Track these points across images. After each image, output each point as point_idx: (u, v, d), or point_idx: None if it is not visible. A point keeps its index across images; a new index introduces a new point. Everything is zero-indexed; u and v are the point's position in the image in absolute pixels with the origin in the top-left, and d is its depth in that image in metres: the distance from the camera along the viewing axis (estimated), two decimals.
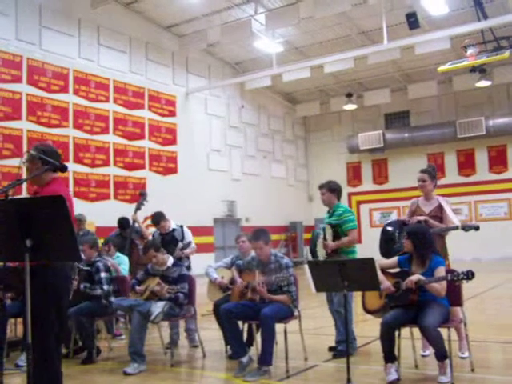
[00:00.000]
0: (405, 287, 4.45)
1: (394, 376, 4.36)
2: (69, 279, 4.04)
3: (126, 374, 5.10)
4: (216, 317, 5.76)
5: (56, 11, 13.90)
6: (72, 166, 13.62)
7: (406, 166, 20.70)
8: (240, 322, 5.28)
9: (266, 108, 22.00)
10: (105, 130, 14.96)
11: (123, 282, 6.44)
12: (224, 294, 5.90)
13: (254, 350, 5.29)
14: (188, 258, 6.92)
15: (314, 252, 5.65)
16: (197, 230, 12.60)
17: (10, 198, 3.00)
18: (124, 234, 8.03)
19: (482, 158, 21.07)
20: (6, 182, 11.57)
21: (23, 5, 13.11)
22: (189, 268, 6.69)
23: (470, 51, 13.80)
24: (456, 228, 5.08)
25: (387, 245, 5.33)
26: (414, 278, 4.41)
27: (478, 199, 20.90)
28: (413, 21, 14.19)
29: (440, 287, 4.39)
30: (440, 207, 5.27)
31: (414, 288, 4.42)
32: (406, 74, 20.81)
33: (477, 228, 5.11)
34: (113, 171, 15.10)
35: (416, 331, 4.66)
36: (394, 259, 4.80)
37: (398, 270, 4.72)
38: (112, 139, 15.14)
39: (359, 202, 23.10)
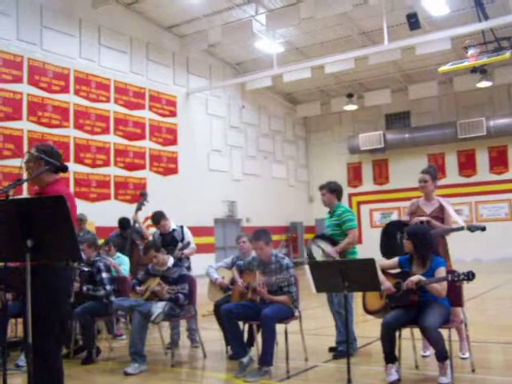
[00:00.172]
0: (405, 288, 4.45)
1: (394, 376, 4.36)
2: (70, 280, 4.04)
3: (126, 374, 5.11)
4: (216, 317, 5.76)
5: (57, 11, 13.91)
6: (73, 166, 13.63)
7: (407, 167, 20.72)
8: (240, 323, 5.28)
9: (267, 108, 22.00)
10: (105, 131, 14.97)
11: (124, 283, 6.44)
12: (224, 295, 5.90)
13: (255, 351, 5.28)
14: (188, 258, 6.90)
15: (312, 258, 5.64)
16: (197, 231, 12.62)
17: (10, 198, 3.00)
18: (124, 235, 8.03)
19: (482, 159, 21.06)
20: (6, 182, 11.56)
21: (24, 5, 13.12)
22: (189, 268, 6.67)
23: (470, 52, 13.79)
24: (462, 229, 5.03)
25: (389, 245, 5.33)
26: (415, 278, 4.41)
27: (478, 200, 20.89)
28: (413, 21, 14.18)
29: (441, 288, 4.39)
30: (441, 208, 5.26)
31: (415, 288, 4.42)
32: (407, 75, 20.80)
33: (483, 229, 4.99)
34: (113, 171, 15.10)
35: (416, 332, 4.66)
36: (395, 260, 4.80)
37: (398, 270, 4.72)
38: (113, 139, 15.15)
39: (360, 203, 23.09)
